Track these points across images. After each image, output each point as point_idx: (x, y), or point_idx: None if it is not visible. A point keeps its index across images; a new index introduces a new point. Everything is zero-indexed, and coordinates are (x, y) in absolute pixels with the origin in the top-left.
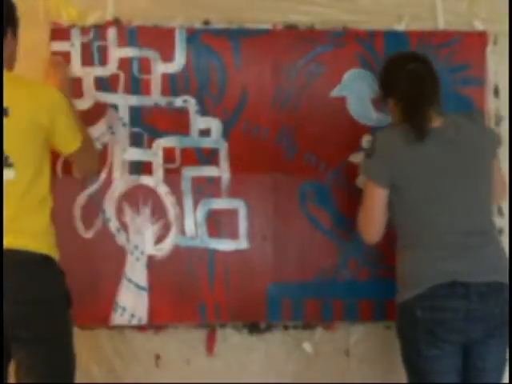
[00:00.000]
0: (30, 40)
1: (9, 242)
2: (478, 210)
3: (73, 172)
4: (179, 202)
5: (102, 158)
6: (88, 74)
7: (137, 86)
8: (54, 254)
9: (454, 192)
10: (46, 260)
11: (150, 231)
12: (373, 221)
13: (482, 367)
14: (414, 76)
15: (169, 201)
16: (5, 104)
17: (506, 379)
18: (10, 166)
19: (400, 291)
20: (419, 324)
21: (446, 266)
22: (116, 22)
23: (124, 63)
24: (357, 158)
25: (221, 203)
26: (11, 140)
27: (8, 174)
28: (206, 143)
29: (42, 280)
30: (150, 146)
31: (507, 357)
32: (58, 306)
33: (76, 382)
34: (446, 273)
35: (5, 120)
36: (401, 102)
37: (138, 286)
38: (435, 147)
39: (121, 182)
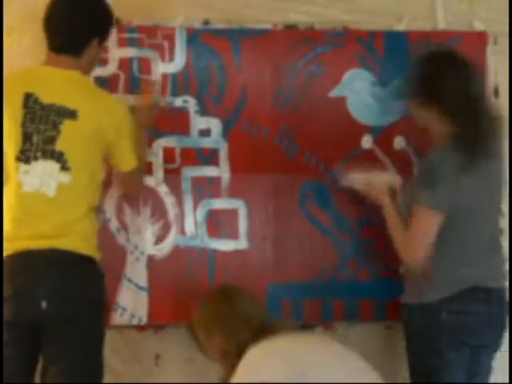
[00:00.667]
0: (30, 40)
1: (60, 244)
2: (494, 217)
3: (114, 184)
4: (179, 202)
5: None
6: None
7: (137, 86)
8: (97, 256)
9: (485, 203)
10: (91, 261)
11: (149, 231)
12: (427, 247)
13: (479, 370)
14: (473, 105)
15: (169, 201)
16: (74, 106)
17: (506, 379)
18: (67, 169)
19: (417, 292)
20: (444, 326)
21: (470, 271)
22: (116, 21)
23: (124, 63)
24: (349, 181)
25: (221, 203)
26: (73, 144)
27: (63, 177)
28: (206, 143)
29: (86, 281)
30: (149, 146)
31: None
32: (99, 307)
33: None
34: (469, 277)
35: (71, 123)
36: (458, 122)
37: (138, 286)
38: (481, 163)
39: None
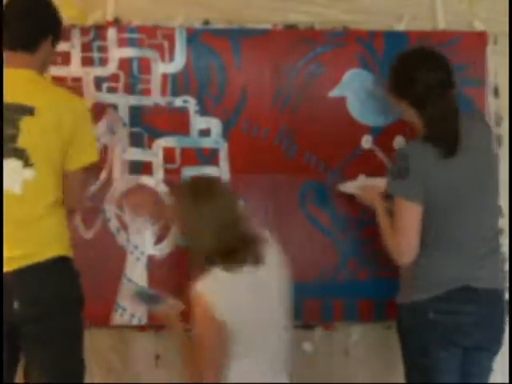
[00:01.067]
0: None
1: (29, 260)
2: (490, 217)
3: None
4: None
5: (102, 158)
6: (88, 74)
7: (137, 86)
8: (70, 253)
9: (474, 200)
10: (62, 260)
11: (149, 231)
12: (412, 241)
13: (477, 372)
14: (440, 90)
15: (169, 201)
16: (32, 103)
17: (506, 379)
18: (30, 165)
19: (408, 291)
20: (431, 326)
21: (461, 271)
22: (116, 22)
23: (124, 63)
24: (345, 187)
25: None
26: (34, 140)
27: (28, 173)
28: (206, 143)
29: (58, 280)
30: (150, 146)
31: (493, 367)
32: (73, 305)
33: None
34: (460, 277)
35: (30, 119)
36: (426, 116)
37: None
38: (461, 157)
39: (121, 181)
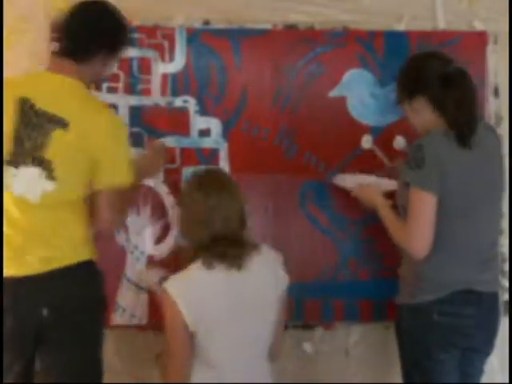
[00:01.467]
0: (30, 40)
1: (51, 266)
2: (495, 222)
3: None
4: None
5: None
6: None
7: (137, 86)
8: (93, 256)
9: (483, 202)
10: (85, 265)
11: (149, 231)
12: (428, 233)
13: (470, 372)
14: (463, 81)
15: (169, 201)
16: (66, 116)
17: (506, 379)
18: (52, 178)
19: (411, 292)
20: (435, 328)
21: (463, 273)
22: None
23: (124, 63)
24: (340, 180)
25: None
26: (61, 154)
27: (48, 186)
28: (206, 143)
29: (86, 285)
30: None
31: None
32: (98, 308)
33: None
34: (464, 280)
35: (62, 132)
36: (444, 107)
37: (138, 286)
38: (474, 155)
39: None
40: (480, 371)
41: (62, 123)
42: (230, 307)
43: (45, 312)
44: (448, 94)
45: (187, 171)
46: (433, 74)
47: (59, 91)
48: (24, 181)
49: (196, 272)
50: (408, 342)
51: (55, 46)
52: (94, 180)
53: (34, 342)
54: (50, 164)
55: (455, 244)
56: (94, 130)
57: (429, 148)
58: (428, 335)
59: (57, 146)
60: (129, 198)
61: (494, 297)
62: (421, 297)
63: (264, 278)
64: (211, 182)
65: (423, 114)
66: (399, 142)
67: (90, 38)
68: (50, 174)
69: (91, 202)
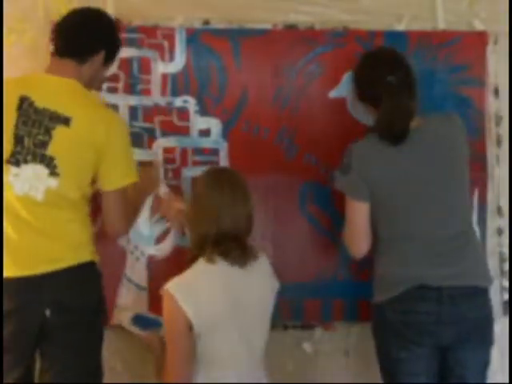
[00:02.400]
0: (30, 40)
1: (53, 267)
2: (453, 214)
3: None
4: None
5: None
6: None
7: (137, 85)
8: (94, 257)
9: (430, 197)
10: (86, 266)
11: (149, 231)
12: (359, 236)
13: (461, 373)
14: (393, 90)
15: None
16: (68, 113)
17: (506, 379)
18: (56, 175)
19: (374, 292)
20: (388, 326)
21: (419, 270)
22: (116, 22)
23: (124, 63)
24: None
25: None
26: (64, 151)
27: (52, 182)
28: (206, 143)
29: (88, 286)
30: (150, 146)
31: (488, 359)
32: (99, 310)
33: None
34: (418, 277)
35: (64, 129)
36: (379, 113)
37: (138, 286)
38: (411, 153)
39: None
40: (475, 365)
41: (63, 120)
42: (231, 307)
43: (48, 312)
44: (385, 103)
45: (187, 171)
46: (367, 75)
47: (59, 90)
48: (26, 179)
49: (198, 273)
50: (375, 343)
51: (55, 46)
52: (102, 181)
53: (36, 342)
54: (52, 160)
55: (403, 242)
56: (96, 126)
57: (356, 152)
58: (384, 334)
59: (59, 142)
60: (135, 203)
61: (464, 291)
62: (378, 296)
63: (263, 281)
64: (227, 180)
65: (367, 113)
66: None
67: (90, 37)
68: (53, 171)
69: (97, 204)
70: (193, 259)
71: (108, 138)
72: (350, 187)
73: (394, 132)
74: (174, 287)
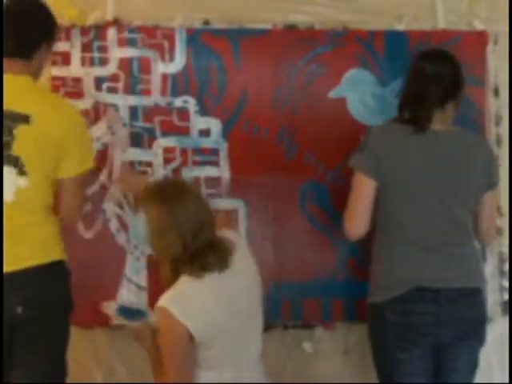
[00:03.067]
0: None
1: (23, 265)
2: (452, 220)
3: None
4: None
5: (102, 158)
6: (88, 74)
7: (137, 86)
8: (64, 257)
9: (432, 199)
10: (54, 265)
11: None
12: (359, 214)
13: (454, 368)
14: (427, 76)
15: None
16: (27, 111)
17: (506, 379)
18: (24, 174)
19: (372, 292)
20: (389, 326)
21: (419, 271)
22: (116, 22)
23: (124, 63)
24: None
25: (221, 203)
26: (28, 148)
27: (21, 182)
28: (206, 143)
29: (57, 284)
30: (150, 146)
31: (479, 358)
32: (68, 309)
33: (76, 382)
34: (418, 278)
35: (25, 127)
36: (407, 97)
37: (138, 286)
38: (430, 151)
39: None
40: (467, 363)
41: (23, 118)
42: (227, 310)
43: (19, 310)
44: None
45: (187, 171)
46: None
47: (17, 89)
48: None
49: (187, 286)
50: (372, 344)
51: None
52: (59, 170)
53: (10, 340)
54: (18, 160)
55: (404, 240)
56: (54, 121)
57: (375, 131)
58: (383, 335)
59: (22, 141)
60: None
61: (461, 292)
62: (377, 296)
63: (249, 273)
64: (173, 194)
65: None
66: None
67: (28, 35)
68: (20, 170)
69: (55, 193)
70: (172, 281)
71: (66, 129)
72: (361, 162)
73: (417, 115)
74: (169, 302)
